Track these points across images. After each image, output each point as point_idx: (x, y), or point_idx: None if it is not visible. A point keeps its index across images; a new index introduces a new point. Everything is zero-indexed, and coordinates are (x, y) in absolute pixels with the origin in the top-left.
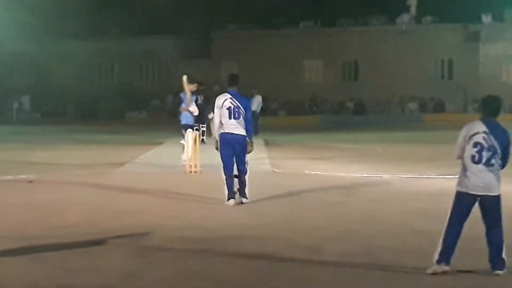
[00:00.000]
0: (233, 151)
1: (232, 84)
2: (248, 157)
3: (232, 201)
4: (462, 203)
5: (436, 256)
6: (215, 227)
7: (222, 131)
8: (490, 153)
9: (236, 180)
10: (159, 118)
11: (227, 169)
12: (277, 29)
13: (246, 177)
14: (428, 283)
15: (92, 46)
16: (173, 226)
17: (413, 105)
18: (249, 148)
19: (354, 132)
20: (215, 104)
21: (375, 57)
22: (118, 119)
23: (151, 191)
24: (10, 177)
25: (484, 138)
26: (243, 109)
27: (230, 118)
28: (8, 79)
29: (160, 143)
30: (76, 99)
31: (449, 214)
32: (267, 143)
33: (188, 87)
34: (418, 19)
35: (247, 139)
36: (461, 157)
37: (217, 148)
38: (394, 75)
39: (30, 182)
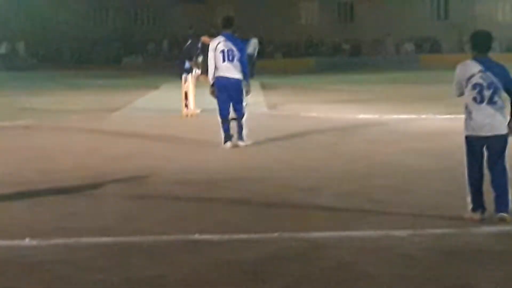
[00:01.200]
0: (228, 94)
1: (226, 26)
2: (247, 99)
3: (228, 144)
4: (473, 147)
5: (469, 204)
6: (213, 169)
7: (217, 74)
8: (491, 90)
9: (234, 123)
10: (155, 62)
11: (223, 112)
12: None
13: (244, 120)
14: (424, 221)
15: None
16: (171, 169)
17: (409, 46)
18: (246, 90)
19: (350, 73)
20: (209, 47)
21: None
22: (114, 64)
23: (148, 135)
24: (6, 123)
25: (482, 77)
26: (237, 52)
27: (224, 61)
28: (3, 25)
29: (156, 88)
30: (72, 44)
31: (465, 161)
32: (263, 86)
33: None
34: None
35: (244, 81)
36: (461, 94)
37: (211, 93)
38: (390, 15)
39: (26, 127)
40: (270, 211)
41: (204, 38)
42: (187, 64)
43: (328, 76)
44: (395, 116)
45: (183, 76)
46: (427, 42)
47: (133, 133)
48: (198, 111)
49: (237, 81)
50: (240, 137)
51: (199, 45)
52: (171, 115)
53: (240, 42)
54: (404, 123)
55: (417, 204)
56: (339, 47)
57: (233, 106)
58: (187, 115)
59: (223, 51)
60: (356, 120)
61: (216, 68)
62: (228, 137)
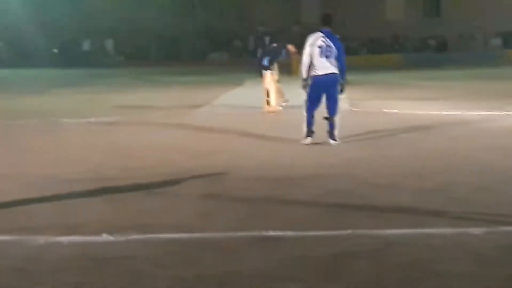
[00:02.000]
0: (322, 92)
1: (325, 24)
2: (340, 98)
3: (308, 139)
4: None
5: None
6: (290, 166)
7: (314, 73)
8: None
9: (317, 121)
10: (240, 58)
11: (310, 108)
12: None
13: (336, 118)
14: (501, 219)
15: None
16: (249, 166)
17: (496, 41)
18: (341, 88)
19: (436, 69)
20: (307, 43)
21: None
22: (200, 60)
23: (229, 131)
24: (91, 119)
25: None
26: (335, 49)
27: (321, 56)
28: (93, 22)
29: (240, 84)
30: (159, 41)
31: None
32: (347, 82)
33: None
34: None
35: (340, 78)
36: None
37: (303, 87)
38: (477, 10)
39: (110, 124)
40: (345, 208)
41: (290, 47)
42: (265, 61)
43: (413, 73)
44: (478, 113)
45: (263, 73)
46: None
47: (215, 130)
48: (279, 107)
49: (334, 76)
50: (332, 136)
51: (283, 51)
52: (253, 111)
53: (338, 40)
54: (487, 120)
55: (495, 201)
56: (425, 42)
57: (327, 104)
58: (268, 112)
59: (321, 47)
60: (439, 116)
61: (312, 64)
62: (309, 133)
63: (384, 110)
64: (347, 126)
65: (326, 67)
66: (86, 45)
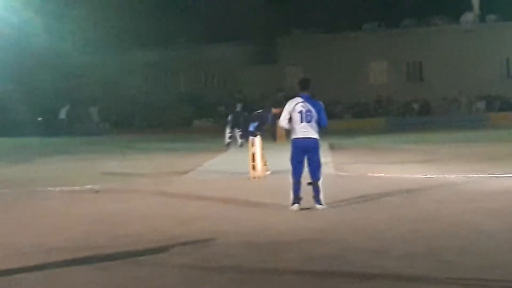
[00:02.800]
0: (304, 156)
1: (303, 88)
2: (323, 160)
3: (296, 206)
4: None
5: None
6: (278, 232)
7: (294, 136)
8: None
9: (303, 186)
10: (225, 124)
11: (295, 174)
12: (341, 32)
13: (320, 183)
14: (490, 283)
15: (158, 55)
16: (237, 232)
17: (480, 105)
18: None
19: (420, 133)
20: (286, 108)
21: (440, 57)
22: (185, 127)
23: (215, 197)
24: (77, 187)
25: None
26: (315, 113)
27: (301, 121)
28: (77, 90)
29: (226, 150)
30: (144, 108)
31: None
32: (332, 147)
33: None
34: (482, 17)
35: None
36: None
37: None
38: (459, 75)
39: (96, 192)
40: (331, 274)
41: (275, 110)
42: (251, 127)
43: (397, 136)
44: (463, 176)
45: (250, 138)
46: (496, 100)
47: (201, 196)
48: (267, 172)
49: (314, 141)
50: (318, 201)
51: (270, 115)
52: (239, 177)
53: (317, 103)
54: (472, 183)
55: (482, 265)
56: (409, 106)
57: (310, 169)
58: (254, 177)
59: (301, 112)
60: (424, 180)
61: (293, 129)
62: (297, 199)
63: (369, 174)
64: (332, 190)
65: (306, 131)
66: (62, 114)
